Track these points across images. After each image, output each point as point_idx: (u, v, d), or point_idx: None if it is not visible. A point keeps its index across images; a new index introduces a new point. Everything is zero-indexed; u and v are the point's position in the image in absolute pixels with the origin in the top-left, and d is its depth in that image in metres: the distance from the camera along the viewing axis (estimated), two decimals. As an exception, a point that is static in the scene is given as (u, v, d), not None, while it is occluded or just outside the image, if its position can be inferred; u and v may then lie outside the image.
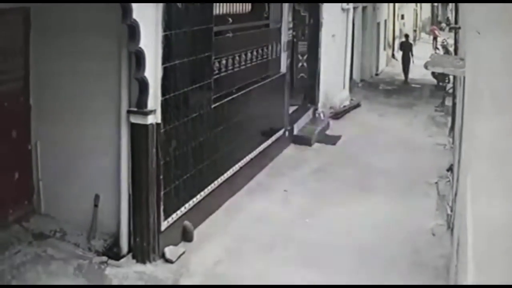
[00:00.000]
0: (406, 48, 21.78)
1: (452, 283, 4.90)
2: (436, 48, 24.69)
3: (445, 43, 22.84)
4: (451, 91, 14.68)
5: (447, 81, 18.09)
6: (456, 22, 12.30)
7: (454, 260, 4.62)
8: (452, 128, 11.45)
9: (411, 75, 21.26)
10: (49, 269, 6.46)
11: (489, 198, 2.24)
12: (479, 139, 2.92)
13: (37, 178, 7.37)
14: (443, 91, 17.82)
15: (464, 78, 5.74)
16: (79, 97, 6.97)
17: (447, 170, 10.03)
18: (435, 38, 31.52)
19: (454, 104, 11.35)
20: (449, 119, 13.08)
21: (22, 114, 7.17)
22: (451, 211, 7.34)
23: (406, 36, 23.12)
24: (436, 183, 9.83)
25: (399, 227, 7.98)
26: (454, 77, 11.61)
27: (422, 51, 23.25)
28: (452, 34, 15.60)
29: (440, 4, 41.60)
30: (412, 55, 21.34)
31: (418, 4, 33.88)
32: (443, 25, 35.93)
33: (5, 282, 6.14)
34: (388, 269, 6.91)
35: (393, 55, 24.97)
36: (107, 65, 6.73)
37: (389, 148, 12.03)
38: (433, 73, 17.30)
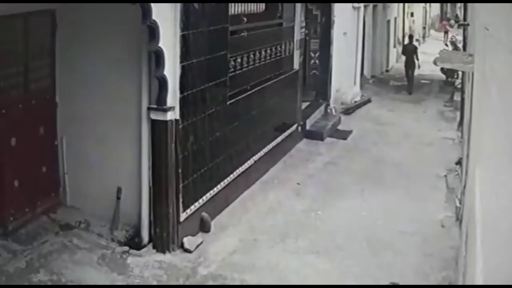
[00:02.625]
0: (410, 52, 18.60)
1: (461, 274, 4.93)
2: (446, 44, 24.38)
3: (454, 39, 22.75)
4: (459, 86, 14.77)
5: (456, 76, 18.12)
6: (465, 19, 12.42)
7: (463, 251, 4.73)
8: (461, 122, 11.56)
9: (419, 71, 21.01)
10: (74, 258, 6.70)
11: (497, 191, 2.27)
12: (487, 133, 3.01)
13: (63, 172, 7.60)
14: (452, 87, 17.88)
15: (472, 73, 5.88)
16: (102, 94, 7.18)
17: (456, 164, 10.14)
18: (446, 32, 31.54)
19: (462, 99, 11.47)
20: (458, 114, 13.19)
21: (49, 111, 7.40)
22: (460, 203, 7.46)
23: (410, 37, 20.00)
24: (445, 176, 9.95)
25: (409, 219, 8.13)
26: (463, 73, 11.73)
27: (432, 48, 23.14)
28: (461, 30, 15.70)
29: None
30: (417, 59, 18.45)
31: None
32: (452, 22, 35.82)
33: (34, 270, 6.38)
34: (398, 259, 7.07)
35: (402, 52, 24.91)
36: (128, 64, 6.94)
37: (399, 142, 12.16)
38: (442, 69, 17.34)
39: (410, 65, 18.38)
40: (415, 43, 21.11)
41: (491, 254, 2.27)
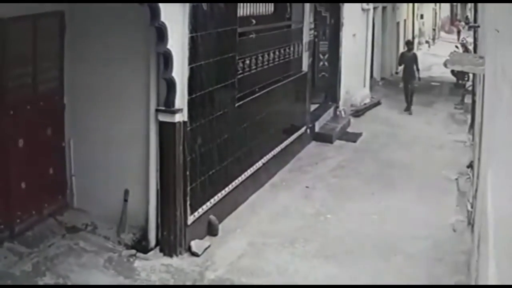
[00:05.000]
0: (409, 61, 15.56)
1: (473, 279, 4.91)
2: (456, 46, 24.14)
3: (464, 41, 22.62)
4: (470, 88, 14.67)
5: (466, 78, 18.00)
6: (475, 20, 12.32)
7: (475, 256, 4.64)
8: (472, 125, 11.47)
9: (428, 73, 20.76)
10: (80, 261, 6.67)
11: (510, 194, 2.24)
12: (499, 136, 2.96)
13: (70, 173, 7.59)
14: (462, 89, 17.77)
15: (483, 75, 5.82)
16: (110, 96, 7.18)
17: (467, 167, 10.06)
18: (459, 32, 31.43)
19: (473, 102, 11.38)
20: (469, 116, 13.09)
21: (56, 112, 7.40)
22: (472, 207, 7.38)
23: (409, 43, 16.76)
24: (456, 179, 9.88)
25: (420, 223, 8.06)
26: (474, 75, 11.63)
27: (442, 50, 23.01)
28: (471, 32, 15.57)
29: (459, 3, 41.29)
30: (417, 69, 15.70)
31: (437, 4, 33.66)
32: (462, 23, 35.69)
33: (40, 273, 6.35)
34: (409, 264, 7.00)
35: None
36: (136, 65, 6.93)
37: (410, 145, 12.10)
38: (452, 71, 17.20)
39: (409, 77, 15.49)
40: (424, 44, 20.31)
41: (504, 258, 2.23)
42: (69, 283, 6.28)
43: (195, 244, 7.06)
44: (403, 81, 15.81)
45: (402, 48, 20.70)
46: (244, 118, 8.44)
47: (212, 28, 7.36)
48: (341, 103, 13.68)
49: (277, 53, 9.78)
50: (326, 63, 13.22)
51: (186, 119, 6.87)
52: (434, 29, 33.23)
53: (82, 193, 7.53)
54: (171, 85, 6.67)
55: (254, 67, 8.91)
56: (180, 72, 6.72)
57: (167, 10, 6.34)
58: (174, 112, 6.73)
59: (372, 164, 10.72)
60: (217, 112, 7.61)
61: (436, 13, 34.13)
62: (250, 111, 8.65)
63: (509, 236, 2.17)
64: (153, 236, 7.02)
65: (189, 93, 6.91)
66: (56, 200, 7.51)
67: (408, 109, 15.40)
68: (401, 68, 16.71)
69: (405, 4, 22.20)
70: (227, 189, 7.99)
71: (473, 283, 4.85)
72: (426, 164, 10.80)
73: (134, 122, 7.07)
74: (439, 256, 7.20)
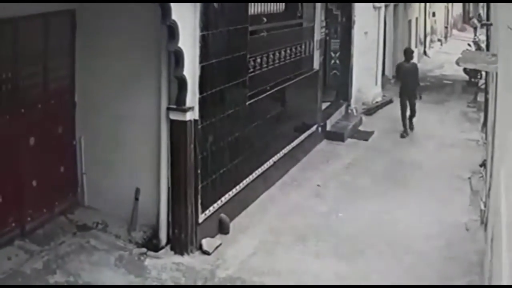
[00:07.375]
0: (408, 74, 12.60)
1: (486, 279, 4.89)
2: (468, 44, 23.93)
3: (476, 39, 22.46)
4: (483, 86, 14.56)
5: (479, 77, 17.86)
6: (487, 18, 12.24)
7: (489, 255, 4.65)
8: (485, 123, 11.40)
9: (440, 71, 20.56)
10: (91, 259, 6.69)
11: None
12: None
13: (81, 172, 7.61)
14: (475, 87, 17.64)
15: (496, 73, 5.77)
16: (121, 94, 7.19)
17: (480, 166, 10.00)
18: (475, 29, 31.31)
19: (486, 100, 11.30)
20: (482, 114, 13.00)
21: (67, 110, 7.43)
22: (485, 206, 7.34)
23: (407, 52, 13.09)
24: (469, 178, 9.80)
25: (432, 222, 8.02)
26: (487, 73, 11.54)
27: (454, 48, 22.82)
28: (484, 30, 15.48)
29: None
30: (418, 84, 12.97)
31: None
32: (475, 21, 35.47)
33: (50, 271, 6.38)
34: (421, 263, 6.96)
35: (424, 52, 24.61)
36: (147, 64, 6.94)
37: (422, 143, 12.04)
38: (465, 69, 17.09)
39: (408, 94, 12.61)
40: (436, 42, 19.77)
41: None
42: (80, 281, 6.30)
43: (206, 243, 7.06)
44: (401, 98, 12.73)
45: (413, 47, 19.62)
46: (255, 116, 8.42)
47: (223, 27, 7.34)
48: (352, 101, 13.61)
49: (288, 51, 9.75)
50: (337, 61, 13.15)
51: (197, 117, 6.87)
52: (446, 27, 33.01)
53: (93, 191, 7.54)
54: (182, 83, 6.68)
55: (265, 65, 8.89)
56: (191, 70, 6.72)
57: (178, 9, 6.35)
58: (185, 111, 6.73)
59: (384, 163, 10.66)
60: (228, 110, 7.60)
61: (448, 11, 33.90)
62: (261, 109, 8.63)
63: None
64: (164, 234, 7.03)
65: (200, 92, 6.91)
66: (67, 198, 7.54)
67: (405, 133, 12.48)
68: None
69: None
70: (238, 188, 7.98)
71: (486, 283, 4.82)
72: (439, 163, 10.73)
73: (145, 120, 7.08)
74: (452, 256, 7.17)
